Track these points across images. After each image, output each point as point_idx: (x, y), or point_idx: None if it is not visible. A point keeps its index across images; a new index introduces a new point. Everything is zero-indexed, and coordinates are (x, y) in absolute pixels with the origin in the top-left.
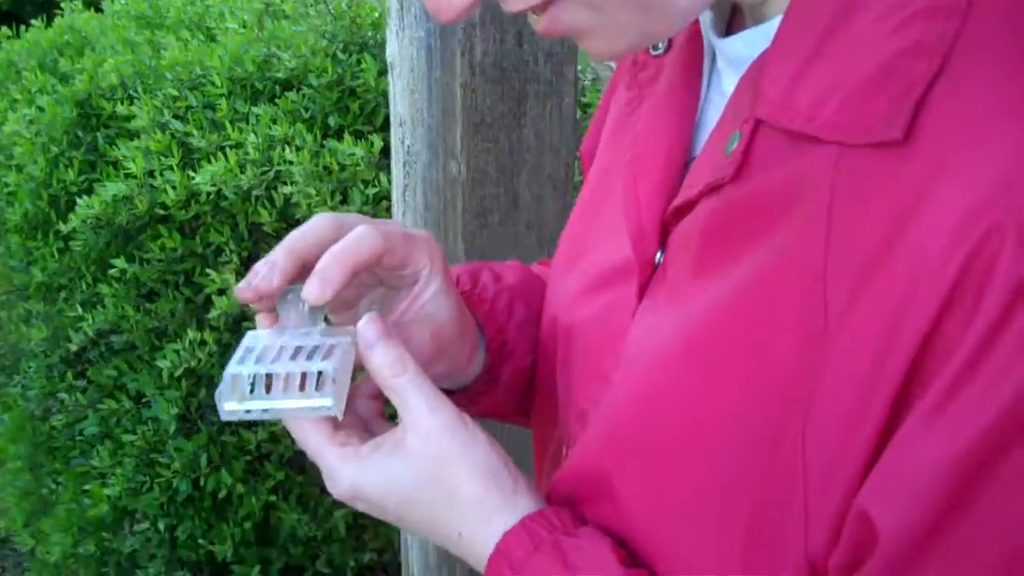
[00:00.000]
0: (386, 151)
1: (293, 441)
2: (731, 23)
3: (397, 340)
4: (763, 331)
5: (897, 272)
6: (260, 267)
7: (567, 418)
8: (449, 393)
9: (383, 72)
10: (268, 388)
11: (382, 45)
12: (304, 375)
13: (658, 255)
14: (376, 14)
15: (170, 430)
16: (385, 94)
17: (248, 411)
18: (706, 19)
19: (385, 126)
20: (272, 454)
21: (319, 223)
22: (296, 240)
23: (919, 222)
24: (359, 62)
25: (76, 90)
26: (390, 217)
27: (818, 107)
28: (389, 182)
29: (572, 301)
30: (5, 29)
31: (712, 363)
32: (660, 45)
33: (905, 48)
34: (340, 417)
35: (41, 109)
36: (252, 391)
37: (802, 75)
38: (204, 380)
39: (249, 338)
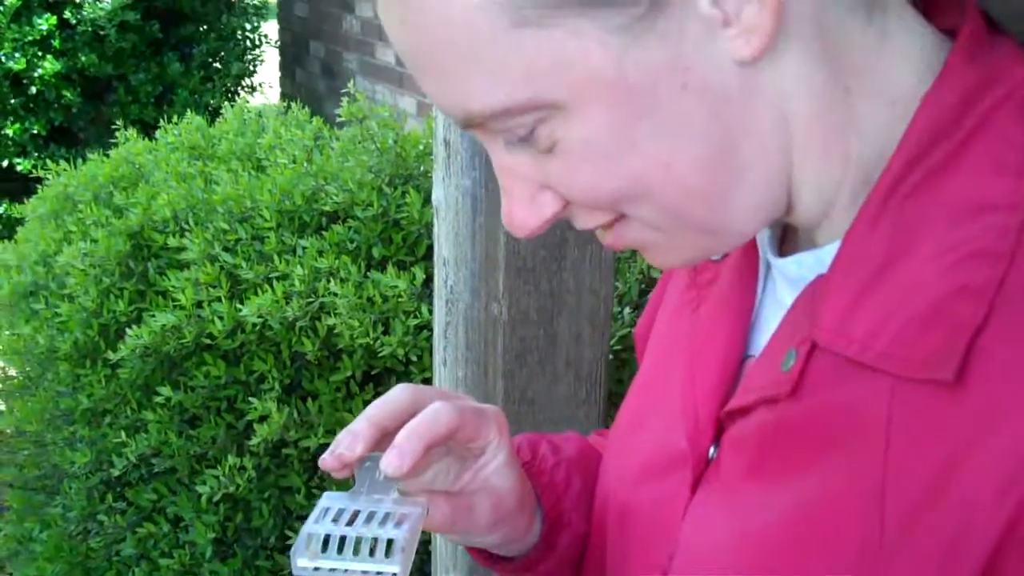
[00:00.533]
0: (428, 282)
1: None
2: (784, 241)
3: None
4: (817, 548)
5: (950, 510)
6: (343, 437)
7: None
8: (507, 559)
9: (426, 204)
10: (340, 549)
11: (426, 176)
12: (375, 540)
13: (712, 450)
14: (420, 147)
15: (206, 554)
16: (428, 226)
17: (318, 569)
18: (763, 235)
19: (427, 256)
20: None
21: (398, 395)
22: (376, 411)
23: (971, 465)
24: (404, 195)
25: (130, 223)
26: (430, 348)
27: (873, 337)
28: (430, 313)
29: (627, 485)
30: (63, 163)
31: (768, 563)
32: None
33: (955, 290)
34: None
35: (95, 241)
36: (324, 550)
37: (857, 306)
38: (241, 505)
39: (325, 499)
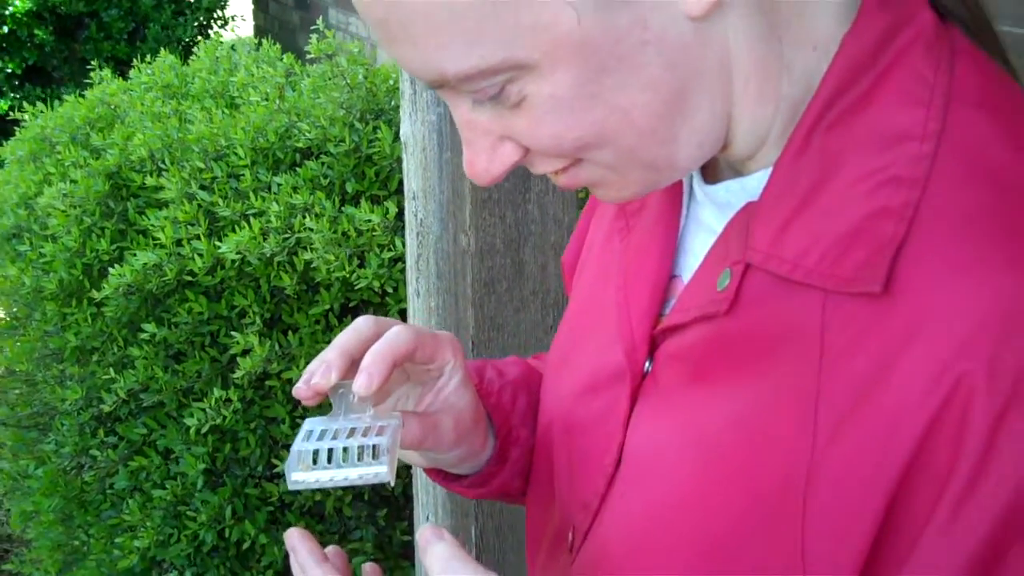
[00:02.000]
0: (400, 215)
1: (313, 492)
2: (706, 170)
3: (447, 536)
4: (755, 447)
5: (883, 407)
6: (315, 367)
7: (570, 508)
8: (463, 477)
9: (398, 139)
10: (329, 461)
11: (397, 111)
12: (361, 449)
13: (647, 364)
14: (391, 81)
15: (197, 484)
16: (399, 160)
17: (316, 480)
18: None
19: (399, 191)
20: (293, 504)
21: (361, 325)
22: (343, 341)
23: (900, 368)
24: (375, 130)
25: (107, 163)
26: (404, 280)
27: (803, 256)
28: (404, 246)
29: (569, 400)
30: (40, 105)
31: (715, 464)
32: None
33: (876, 210)
34: (392, 483)
35: (74, 182)
36: (315, 465)
37: (787, 227)
38: (229, 436)
39: (308, 423)
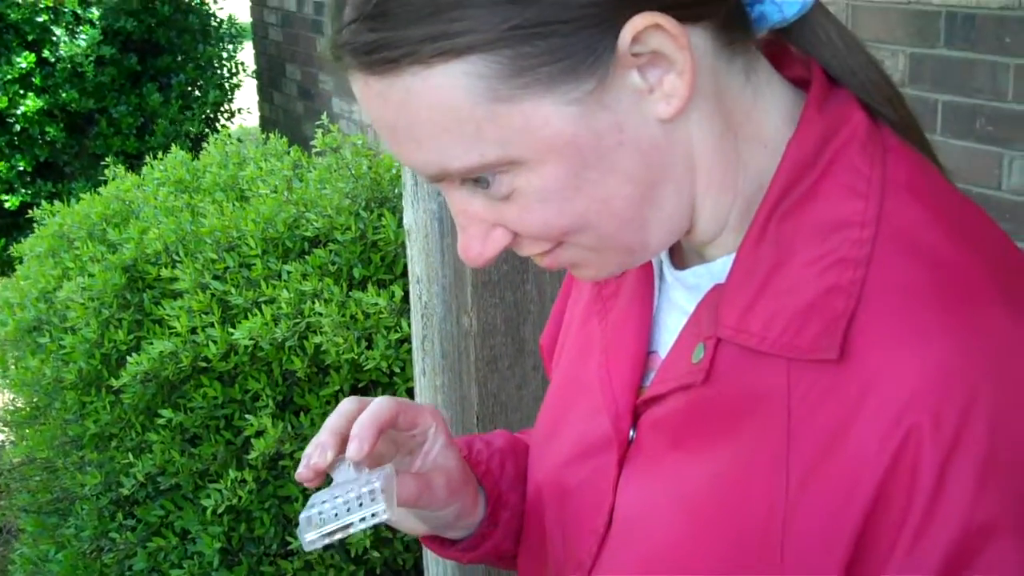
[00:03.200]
0: (406, 298)
1: (326, 569)
2: (675, 255)
3: None
4: (733, 506)
5: (845, 459)
6: (312, 451)
7: (564, 568)
8: (456, 543)
9: (401, 225)
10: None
11: (400, 198)
12: (360, 497)
13: (631, 432)
14: (394, 171)
15: (214, 563)
16: (403, 245)
17: (326, 534)
18: (663, 254)
19: (404, 274)
20: None
21: (344, 406)
22: (332, 423)
23: (858, 423)
24: (379, 217)
25: (124, 257)
26: (411, 360)
27: (767, 330)
28: (410, 328)
29: (559, 468)
30: (56, 203)
31: (698, 520)
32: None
33: (827, 288)
34: (394, 518)
35: (92, 276)
36: (323, 524)
37: (752, 306)
38: (244, 516)
39: (313, 497)
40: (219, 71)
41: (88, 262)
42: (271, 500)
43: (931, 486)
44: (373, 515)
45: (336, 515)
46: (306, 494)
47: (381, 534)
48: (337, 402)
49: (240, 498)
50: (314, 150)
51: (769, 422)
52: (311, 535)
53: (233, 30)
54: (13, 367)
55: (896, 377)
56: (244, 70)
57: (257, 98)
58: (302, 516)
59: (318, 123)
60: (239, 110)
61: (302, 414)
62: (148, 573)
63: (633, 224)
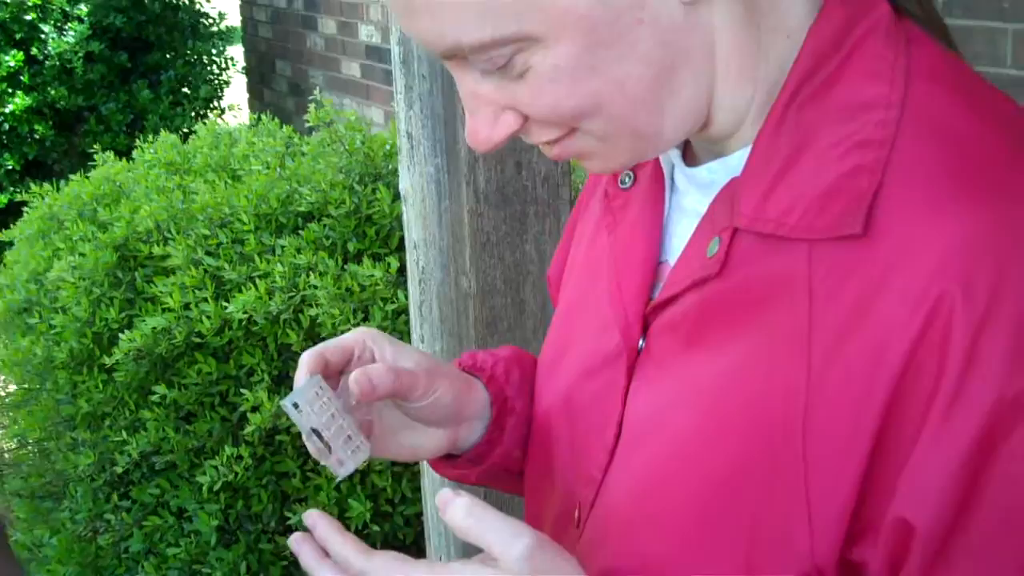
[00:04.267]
0: (402, 270)
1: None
2: (687, 156)
3: (466, 494)
4: (758, 385)
5: (871, 332)
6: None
7: (574, 486)
8: (461, 457)
9: (396, 199)
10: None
11: (394, 174)
12: (347, 438)
13: (641, 342)
14: (388, 147)
15: (211, 541)
16: (399, 219)
17: (308, 419)
18: (674, 155)
19: (400, 247)
20: None
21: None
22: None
23: (885, 297)
24: (374, 191)
25: (115, 236)
26: (408, 330)
27: (786, 215)
28: (406, 298)
29: (566, 387)
30: (47, 186)
31: (713, 413)
32: (627, 180)
33: (850, 169)
34: (342, 477)
35: (83, 255)
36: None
37: (770, 193)
38: (241, 493)
39: (318, 380)
40: (209, 67)
41: (78, 242)
42: (268, 476)
43: (963, 356)
44: (337, 460)
45: (324, 406)
46: (304, 470)
47: (381, 509)
48: None
49: (236, 474)
50: (307, 125)
51: (789, 307)
52: (303, 406)
53: (222, 27)
54: (3, 348)
55: (924, 248)
56: (234, 65)
57: (247, 95)
58: (308, 382)
59: (311, 98)
60: (229, 106)
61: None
62: (145, 555)
63: (647, 109)
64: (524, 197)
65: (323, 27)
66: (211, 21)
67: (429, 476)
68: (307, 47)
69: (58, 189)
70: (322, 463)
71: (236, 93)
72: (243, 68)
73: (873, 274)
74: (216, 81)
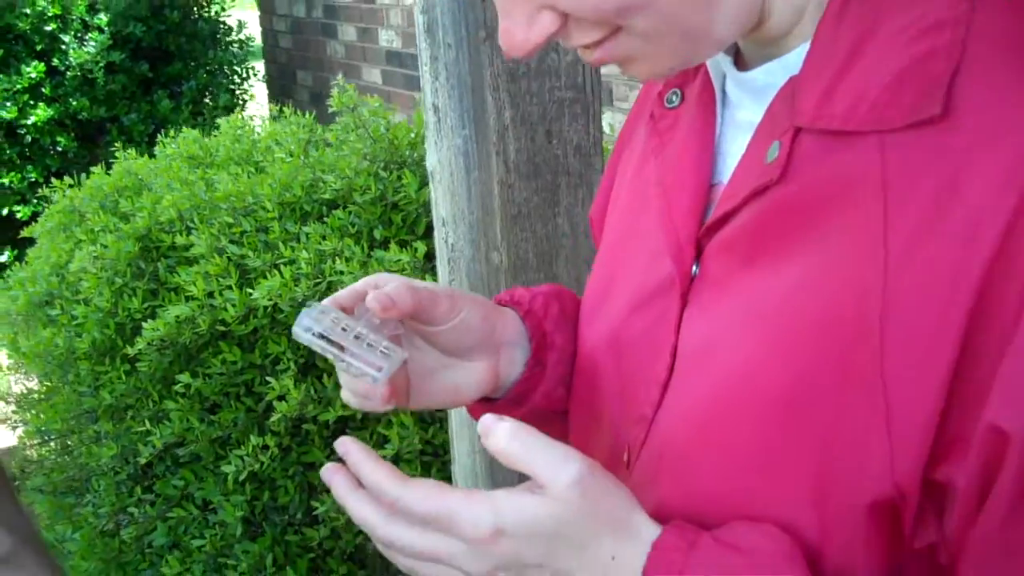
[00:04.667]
0: (429, 256)
1: (354, 536)
2: (739, 63)
3: (511, 419)
4: (830, 293)
5: (955, 220)
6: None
7: (623, 427)
8: (502, 399)
9: (423, 185)
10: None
11: (420, 162)
12: (371, 344)
13: (694, 268)
14: (412, 135)
15: (236, 534)
16: (425, 205)
17: (319, 335)
18: (725, 61)
19: (427, 234)
20: (334, 550)
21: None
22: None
23: (970, 183)
24: (399, 178)
25: (137, 226)
26: None
27: (854, 108)
28: (436, 281)
29: (614, 325)
30: (67, 179)
31: (778, 328)
32: (674, 99)
33: (923, 54)
34: (380, 385)
35: (105, 246)
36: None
37: (834, 87)
38: (267, 484)
39: (328, 307)
40: (230, 77)
41: (100, 233)
42: (294, 467)
43: None
44: (368, 364)
45: (344, 330)
46: (331, 460)
47: None
48: None
49: (262, 464)
50: (330, 110)
51: (862, 206)
52: (309, 323)
53: (243, 36)
54: (25, 341)
55: (1010, 129)
56: (255, 74)
57: (268, 106)
58: (317, 306)
59: (334, 83)
60: (251, 118)
61: (325, 376)
62: (169, 549)
63: (696, 4)
64: (555, 167)
65: (343, 34)
66: (231, 30)
67: (459, 463)
68: (327, 55)
69: (79, 183)
70: (353, 384)
71: (256, 107)
72: (264, 78)
73: (954, 161)
74: (237, 91)
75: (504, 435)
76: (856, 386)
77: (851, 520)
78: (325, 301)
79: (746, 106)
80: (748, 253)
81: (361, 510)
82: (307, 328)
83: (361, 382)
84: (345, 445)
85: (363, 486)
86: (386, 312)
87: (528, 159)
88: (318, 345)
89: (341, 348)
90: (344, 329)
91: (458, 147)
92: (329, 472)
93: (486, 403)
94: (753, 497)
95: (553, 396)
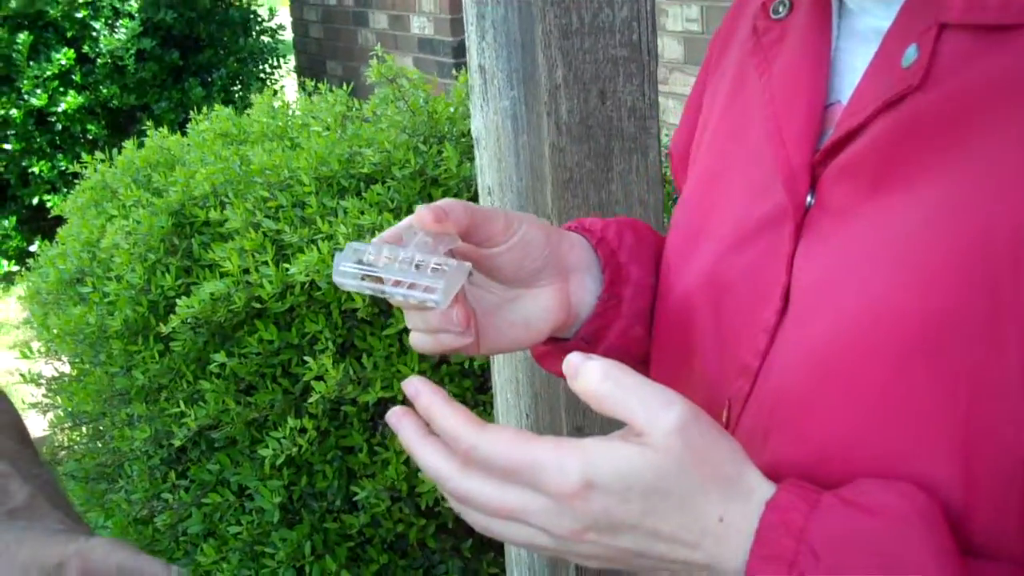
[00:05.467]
0: None
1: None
2: None
3: (600, 357)
4: (979, 217)
5: None
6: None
7: (722, 382)
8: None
9: (464, 160)
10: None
11: (461, 137)
12: (420, 266)
13: (808, 198)
14: (452, 109)
15: (273, 520)
16: (466, 180)
17: (362, 276)
18: None
19: None
20: (374, 538)
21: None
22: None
23: None
24: (440, 152)
25: (170, 201)
26: None
27: (1010, 0)
28: None
29: (709, 268)
30: (99, 154)
31: (918, 261)
32: (782, 9)
33: None
34: (444, 306)
35: (137, 221)
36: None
37: None
38: (305, 469)
39: (375, 240)
40: (261, 66)
41: (132, 208)
42: (333, 451)
43: None
44: (425, 290)
45: (385, 264)
46: (371, 444)
47: None
48: (401, 343)
49: (300, 448)
50: (368, 81)
51: (1018, 114)
52: (348, 267)
53: (274, 25)
54: (55, 319)
55: None
56: (286, 62)
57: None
58: (351, 245)
59: (371, 53)
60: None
61: (364, 356)
62: (204, 536)
63: None
64: (609, 130)
65: (375, 22)
66: (261, 19)
67: None
68: (358, 44)
69: (111, 159)
70: (422, 321)
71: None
72: (295, 69)
73: None
74: (268, 80)
75: (596, 374)
76: (1010, 322)
77: (1002, 476)
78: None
79: (870, 11)
80: (877, 175)
81: (431, 459)
82: (343, 273)
83: (433, 315)
84: (414, 385)
85: (434, 433)
86: (439, 223)
87: (581, 120)
88: (366, 288)
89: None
90: (389, 260)
91: (505, 110)
92: (396, 416)
93: (555, 345)
94: (884, 452)
95: (630, 335)
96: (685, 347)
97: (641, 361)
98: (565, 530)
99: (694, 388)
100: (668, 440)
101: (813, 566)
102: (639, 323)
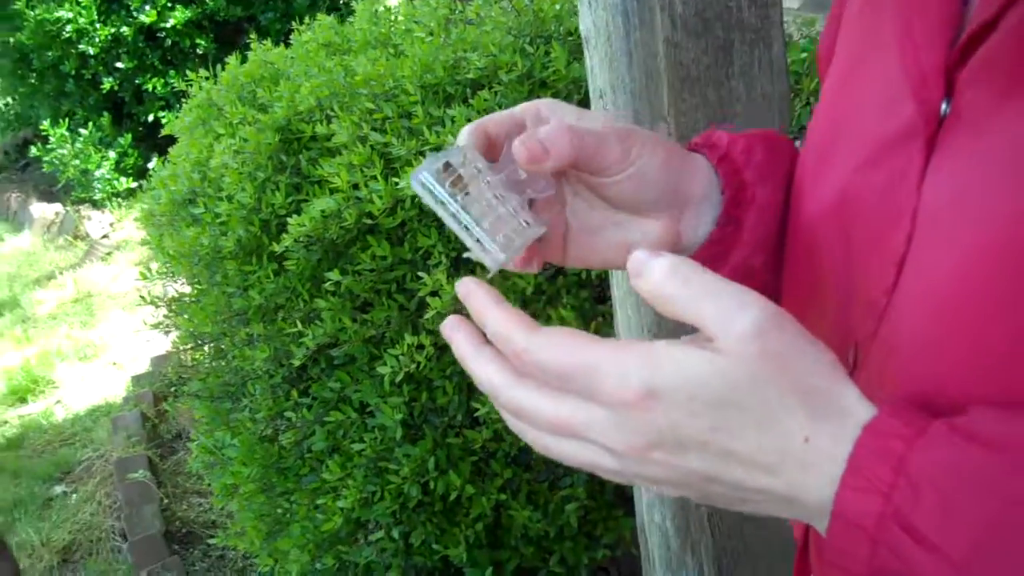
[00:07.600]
0: None
1: (517, 439)
2: None
3: (668, 253)
4: None
5: None
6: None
7: (848, 317)
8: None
9: (572, 59)
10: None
11: (568, 35)
12: (496, 209)
13: (943, 106)
14: (558, 6)
15: (396, 437)
16: (576, 81)
17: (436, 196)
18: None
19: None
20: (498, 452)
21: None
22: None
23: None
24: (547, 53)
25: (276, 117)
26: None
27: None
28: None
29: (842, 181)
30: (203, 71)
31: None
32: None
33: None
34: (495, 270)
35: (244, 139)
36: (445, 186)
37: None
38: (424, 385)
39: (460, 151)
40: None
41: (239, 126)
42: (452, 367)
43: None
44: (483, 250)
45: (467, 195)
46: None
47: None
48: None
49: (419, 364)
50: None
51: None
52: (426, 178)
53: None
54: (170, 240)
55: None
56: None
57: None
58: (452, 147)
59: None
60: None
61: (478, 270)
62: (328, 453)
63: None
64: (728, 22)
65: None
66: None
67: None
68: None
69: (215, 76)
70: (473, 258)
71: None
72: None
73: None
74: None
75: (661, 272)
76: None
77: None
78: (470, 127)
79: None
80: (1012, 76)
81: (483, 369)
82: (421, 184)
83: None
84: (467, 286)
85: (490, 344)
86: (534, 164)
87: (697, 13)
88: (439, 210)
89: (455, 215)
90: (466, 193)
91: (616, 6)
92: (450, 327)
93: None
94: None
95: (751, 265)
96: (814, 281)
97: (769, 275)
98: (627, 446)
99: (825, 327)
100: (741, 346)
101: (911, 502)
102: (761, 251)
